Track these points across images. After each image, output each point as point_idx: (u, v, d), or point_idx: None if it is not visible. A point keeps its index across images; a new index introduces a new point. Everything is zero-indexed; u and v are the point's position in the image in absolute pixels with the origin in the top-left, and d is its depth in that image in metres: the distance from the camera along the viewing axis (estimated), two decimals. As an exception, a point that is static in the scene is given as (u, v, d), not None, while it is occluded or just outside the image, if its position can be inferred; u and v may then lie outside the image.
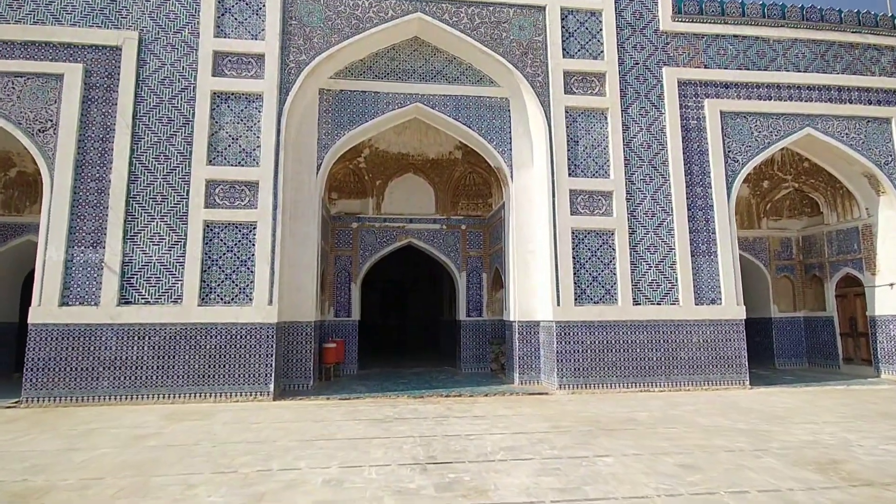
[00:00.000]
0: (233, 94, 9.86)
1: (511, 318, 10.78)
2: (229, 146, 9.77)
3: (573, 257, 10.03)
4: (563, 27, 10.55)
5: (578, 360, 9.84)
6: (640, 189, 10.33)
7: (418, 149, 12.62)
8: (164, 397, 9.08)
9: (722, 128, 10.53)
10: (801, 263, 12.99)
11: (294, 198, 10.31)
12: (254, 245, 9.56)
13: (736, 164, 10.55)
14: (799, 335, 13.02)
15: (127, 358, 9.10)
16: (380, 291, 19.52)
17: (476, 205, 13.51)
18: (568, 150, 10.24)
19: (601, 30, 10.61)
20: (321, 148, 10.49)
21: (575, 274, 10.00)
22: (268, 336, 9.35)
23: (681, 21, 10.75)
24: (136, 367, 9.09)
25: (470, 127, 10.67)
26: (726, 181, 10.43)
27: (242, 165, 9.73)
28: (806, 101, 10.75)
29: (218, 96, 9.82)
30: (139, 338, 9.16)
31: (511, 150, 10.78)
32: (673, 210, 10.28)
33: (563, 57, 10.44)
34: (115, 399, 8.98)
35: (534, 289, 10.53)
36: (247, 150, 9.78)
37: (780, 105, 10.66)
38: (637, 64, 10.64)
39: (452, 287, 16.97)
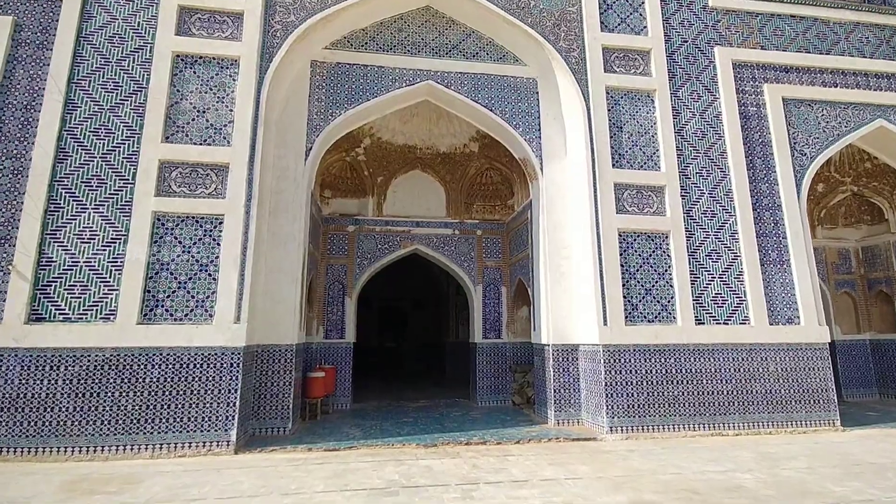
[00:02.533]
0: (201, 57, 7.40)
1: (542, 341, 8.24)
2: (193, 120, 7.23)
3: (621, 265, 7.67)
4: (599, -2, 8.56)
5: (632, 394, 7.30)
6: (696, 184, 8.11)
7: (427, 140, 10.18)
8: (80, 451, 6.14)
9: (786, 116, 8.42)
10: (863, 278, 10.74)
11: (276, 188, 7.75)
12: (219, 245, 6.91)
13: (804, 157, 8.43)
14: (866, 361, 10.61)
15: (33, 396, 6.18)
16: (377, 308, 16.68)
17: (494, 207, 10.92)
18: (611, 137, 8.00)
19: (643, 3, 8.56)
20: (312, 130, 8.03)
21: (624, 286, 7.58)
22: (232, 364, 6.60)
23: (731, -3, 8.87)
24: (45, 409, 6.17)
25: (491, 110, 8.37)
26: (795, 177, 8.30)
27: (209, 144, 7.17)
28: (875, 89, 8.79)
29: (182, 60, 7.34)
30: (52, 368, 6.30)
31: (540, 137, 8.51)
32: (736, 210, 8.03)
33: (602, 31, 8.31)
34: (13, 453, 5.99)
35: (571, 304, 8.06)
36: (216, 126, 7.26)
37: (848, 93, 8.66)
38: (685, 42, 8.60)
39: (460, 304, 14.37)
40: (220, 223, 6.90)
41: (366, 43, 8.32)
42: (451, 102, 8.50)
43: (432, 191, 10.69)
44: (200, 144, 7.08)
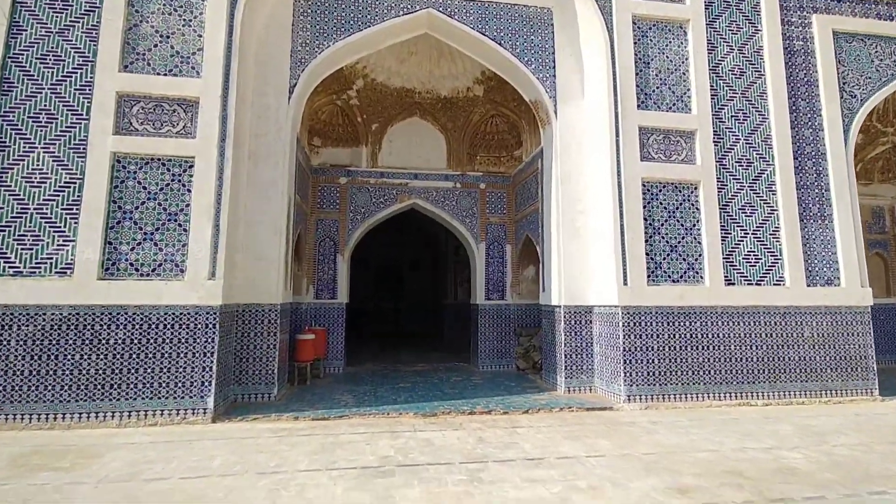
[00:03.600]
0: (163, -29, 6.24)
1: (553, 303, 7.36)
2: (155, 46, 6.11)
3: (644, 219, 6.68)
4: None
5: (653, 360, 6.47)
6: (731, 129, 7.04)
7: (427, 83, 8.94)
8: (39, 419, 5.36)
9: (835, 52, 7.31)
10: (897, 238, 9.89)
11: (255, 129, 6.69)
12: (189, 191, 5.92)
13: (853, 99, 7.31)
14: (894, 326, 9.91)
15: (-18, 358, 5.40)
16: (373, 269, 15.73)
17: (499, 158, 9.77)
18: (636, 74, 6.86)
19: (677, -83, 7.33)
20: (296, 64, 6.89)
21: (647, 242, 6.64)
22: (207, 325, 5.73)
23: (776, -86, 7.53)
24: (-4, 373, 5.39)
25: (500, 44, 7.21)
26: (842, 122, 7.22)
27: (175, 75, 6.07)
28: (933, 23, 7.68)
29: (140, -26, 6.20)
30: (4, 327, 5.40)
31: (554, 76, 7.37)
32: (774, 158, 6.99)
33: (629, -51, 7.13)
34: (-40, 422, 5.28)
35: (585, 262, 7.14)
36: (182, 55, 6.13)
37: (904, 26, 7.55)
38: (725, -36, 7.39)
39: (460, 265, 13.52)
40: (191, 166, 5.88)
41: (357, -38, 7.06)
42: (454, 35, 7.31)
43: (432, 140, 9.55)
44: (165, 75, 5.98)
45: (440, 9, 7.11)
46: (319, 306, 8.79)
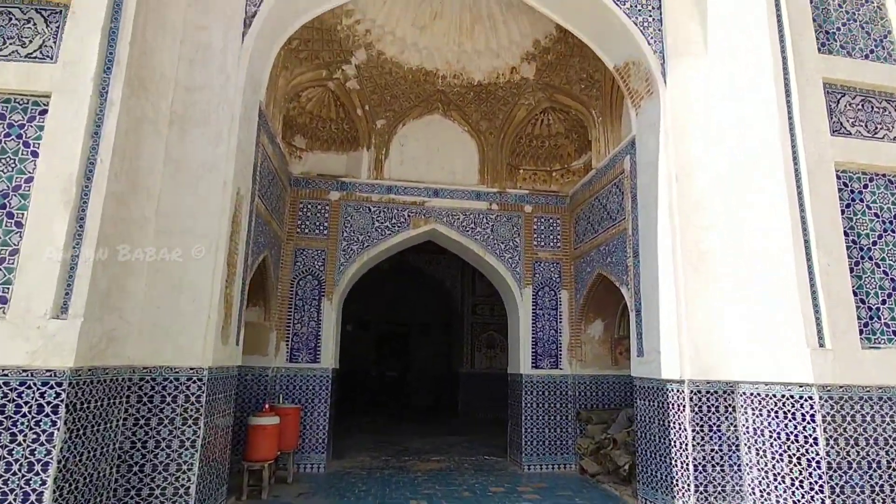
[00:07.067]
0: None
1: (662, 375, 4.15)
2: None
3: (845, 233, 3.69)
4: None
5: (880, 486, 3.26)
6: (965, 91, 4.17)
7: (455, 62, 6.00)
8: None
9: None
10: None
11: (186, 79, 3.77)
12: (35, 156, 3.08)
13: None
14: None
15: None
16: (372, 331, 12.41)
17: (549, 173, 6.73)
18: (812, 5, 4.11)
19: None
20: (258, -19, 4.23)
21: (852, 272, 3.63)
22: (41, 407, 2.69)
23: None
24: None
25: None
26: None
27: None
28: None
29: None
30: None
31: (661, 20, 4.57)
32: None
33: None
34: None
35: (720, 309, 4.10)
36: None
37: None
38: None
39: (479, 325, 10.51)
40: (43, 112, 3.07)
41: None
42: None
43: (459, 144, 6.59)
44: (22, -37, 3.29)
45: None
46: (294, 374, 5.63)
